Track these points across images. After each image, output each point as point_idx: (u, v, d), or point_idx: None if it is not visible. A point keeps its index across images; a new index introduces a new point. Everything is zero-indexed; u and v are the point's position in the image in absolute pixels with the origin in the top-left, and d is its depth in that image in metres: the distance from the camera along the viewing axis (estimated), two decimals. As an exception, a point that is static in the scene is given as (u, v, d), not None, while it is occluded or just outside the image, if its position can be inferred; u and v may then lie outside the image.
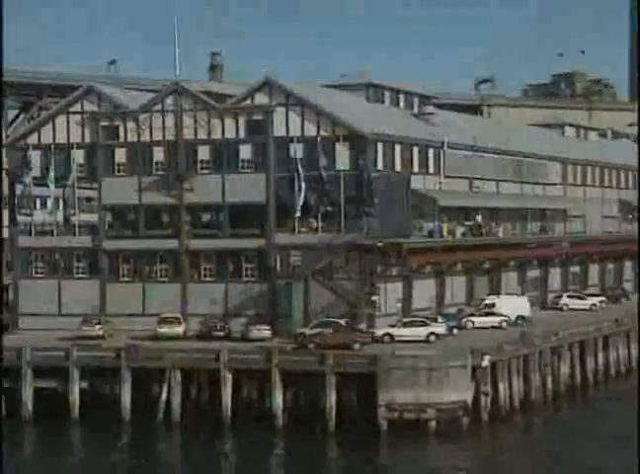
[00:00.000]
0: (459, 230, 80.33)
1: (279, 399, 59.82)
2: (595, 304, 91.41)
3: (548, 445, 56.74)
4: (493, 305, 78.56)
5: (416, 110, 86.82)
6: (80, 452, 59.86)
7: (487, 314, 76.62)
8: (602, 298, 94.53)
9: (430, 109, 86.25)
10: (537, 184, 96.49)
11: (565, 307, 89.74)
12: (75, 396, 63.56)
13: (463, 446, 55.90)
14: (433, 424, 56.57)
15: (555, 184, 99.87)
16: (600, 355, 76.87)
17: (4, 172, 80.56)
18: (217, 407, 60.94)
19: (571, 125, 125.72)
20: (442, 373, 57.99)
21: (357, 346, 62.53)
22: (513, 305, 79.40)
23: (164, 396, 62.18)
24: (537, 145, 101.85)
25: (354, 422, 57.65)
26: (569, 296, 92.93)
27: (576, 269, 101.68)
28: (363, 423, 57.08)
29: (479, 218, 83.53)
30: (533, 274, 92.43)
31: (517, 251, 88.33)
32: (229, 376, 60.93)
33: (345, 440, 56.52)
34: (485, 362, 59.99)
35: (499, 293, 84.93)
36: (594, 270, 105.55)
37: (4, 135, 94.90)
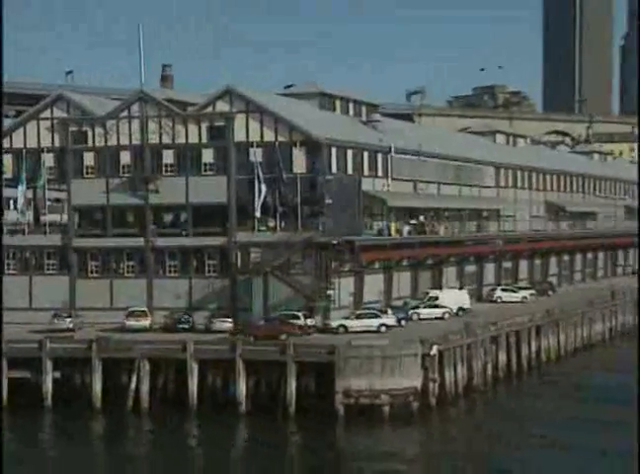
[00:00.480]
0: (405, 229, 79.84)
1: (242, 387, 59.08)
2: (525, 297, 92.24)
3: (490, 426, 58.29)
4: (436, 298, 78.60)
5: (364, 117, 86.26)
6: (53, 439, 58.37)
7: (431, 306, 76.29)
8: (532, 291, 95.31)
9: (377, 116, 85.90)
10: (474, 186, 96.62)
11: (499, 299, 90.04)
12: (48, 386, 62.31)
13: (414, 429, 56.33)
14: (386, 408, 56.47)
15: (489, 186, 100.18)
16: (533, 344, 77.00)
17: None
18: (184, 395, 60.02)
19: (501, 133, 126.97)
20: (395, 362, 57.65)
21: (283, 336, 62.04)
22: (454, 298, 79.74)
23: (133, 385, 60.97)
24: (473, 151, 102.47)
25: (312, 407, 57.11)
26: (502, 290, 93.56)
27: (508, 264, 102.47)
28: (322, 408, 56.63)
29: (422, 218, 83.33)
30: (470, 269, 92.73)
31: (456, 248, 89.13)
32: (195, 366, 60.19)
33: (304, 425, 56.05)
34: (433, 351, 59.93)
35: (440, 287, 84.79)
36: (523, 265, 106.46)
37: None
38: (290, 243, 70.33)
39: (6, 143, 77.05)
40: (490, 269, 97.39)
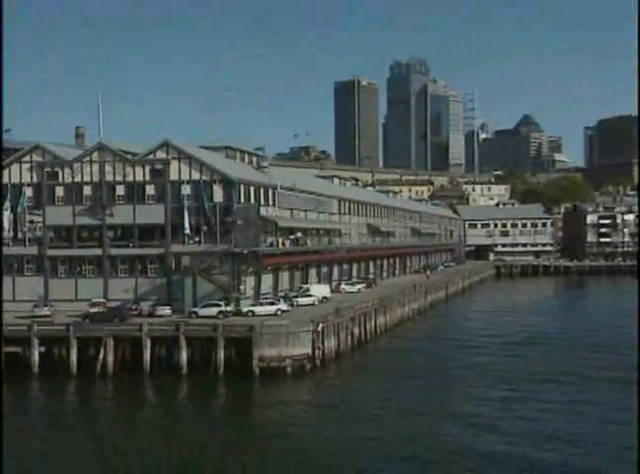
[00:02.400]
0: (287, 242, 79.27)
1: (183, 356, 58.26)
2: (360, 289, 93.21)
3: (351, 375, 61.12)
4: (308, 290, 78.85)
5: (255, 164, 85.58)
6: (39, 396, 56.90)
7: (305, 296, 76.18)
8: (363, 285, 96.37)
9: (265, 163, 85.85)
10: (326, 213, 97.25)
11: (343, 291, 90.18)
12: (35, 358, 60.26)
13: (307, 382, 56.76)
14: (288, 369, 56.93)
15: (335, 213, 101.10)
16: (374, 320, 77.72)
17: None
18: (140, 363, 58.48)
19: (336, 177, 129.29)
20: (294, 336, 58.27)
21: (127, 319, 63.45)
22: (320, 290, 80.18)
23: (101, 357, 59.21)
24: (324, 189, 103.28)
25: (236, 370, 56.76)
26: (345, 284, 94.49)
27: (346, 266, 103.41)
28: (242, 370, 56.38)
29: (298, 234, 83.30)
30: (324, 269, 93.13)
31: (317, 255, 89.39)
32: (148, 341, 58.92)
33: (230, 383, 55.86)
34: (319, 328, 60.48)
35: (308, 283, 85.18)
36: (355, 267, 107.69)
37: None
38: (211, 252, 69.76)
39: (-6, 178, 74.27)
40: (335, 269, 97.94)
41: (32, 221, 73.30)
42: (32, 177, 72.88)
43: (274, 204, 78.72)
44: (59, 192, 72.30)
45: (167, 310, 66.41)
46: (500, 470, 35.36)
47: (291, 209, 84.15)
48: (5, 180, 72.75)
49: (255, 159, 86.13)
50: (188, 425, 46.52)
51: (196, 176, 70.08)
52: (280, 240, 77.91)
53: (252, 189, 73.89)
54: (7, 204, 72.25)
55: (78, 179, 71.74)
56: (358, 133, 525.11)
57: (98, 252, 71.40)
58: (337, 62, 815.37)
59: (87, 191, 71.66)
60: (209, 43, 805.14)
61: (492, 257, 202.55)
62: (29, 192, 72.81)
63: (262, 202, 75.51)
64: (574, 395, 51.30)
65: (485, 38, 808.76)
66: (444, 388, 55.45)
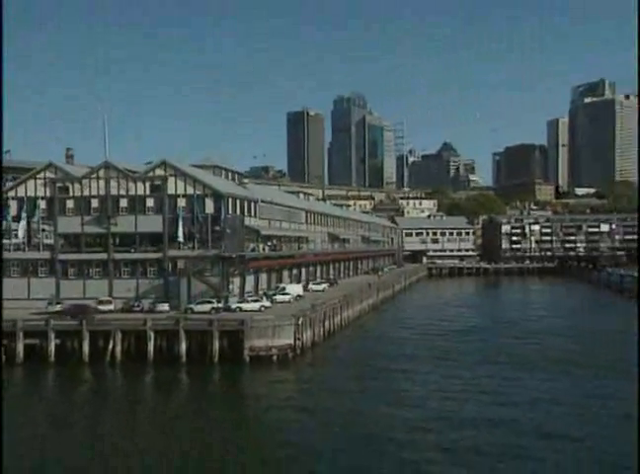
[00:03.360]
0: (266, 248, 77.95)
1: (183, 346, 56.68)
2: (325, 287, 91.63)
3: (324, 360, 59.38)
4: (284, 289, 77.22)
5: (237, 181, 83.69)
6: (55, 383, 54.66)
7: (282, 294, 74.51)
8: (327, 284, 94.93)
9: (245, 181, 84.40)
10: (296, 222, 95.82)
11: (311, 289, 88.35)
12: (52, 348, 58.05)
13: (289, 367, 55.42)
14: (274, 357, 55.75)
15: (302, 223, 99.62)
16: (340, 314, 76.82)
17: None
18: (144, 353, 56.75)
19: (302, 193, 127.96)
20: (280, 328, 57.32)
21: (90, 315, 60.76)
22: (294, 289, 78.43)
23: (110, 347, 57.26)
24: (295, 203, 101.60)
25: (229, 358, 55.55)
26: (313, 283, 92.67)
27: (311, 268, 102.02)
28: (235, 359, 55.24)
29: (274, 241, 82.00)
30: (295, 271, 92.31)
31: (290, 259, 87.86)
32: (152, 334, 57.13)
33: (224, 369, 54.52)
34: (300, 321, 59.40)
35: (282, 283, 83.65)
36: (319, 269, 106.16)
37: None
38: (204, 256, 67.95)
39: (12, 193, 71.03)
40: (304, 271, 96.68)
41: (44, 230, 70.57)
42: (45, 191, 70.23)
43: (255, 215, 77.18)
44: (69, 204, 69.89)
45: (165, 307, 64.60)
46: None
47: (269, 220, 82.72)
48: (21, 194, 70.32)
49: (237, 176, 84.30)
50: (187, 402, 46.82)
51: (190, 190, 68.30)
52: (261, 246, 76.70)
53: (237, 202, 72.28)
54: (23, 215, 69.36)
55: (86, 193, 69.43)
56: (307, 156, 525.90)
57: (103, 256, 69.09)
58: (289, 95, 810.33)
59: (94, 203, 69.42)
60: (175, 76, 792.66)
61: (425, 260, 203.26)
62: (43, 204, 70.09)
63: (245, 214, 73.99)
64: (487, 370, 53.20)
65: (414, 74, 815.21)
66: (393, 367, 56.09)
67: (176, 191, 68.35)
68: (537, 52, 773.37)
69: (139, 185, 68.91)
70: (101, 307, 64.51)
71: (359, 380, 51.15)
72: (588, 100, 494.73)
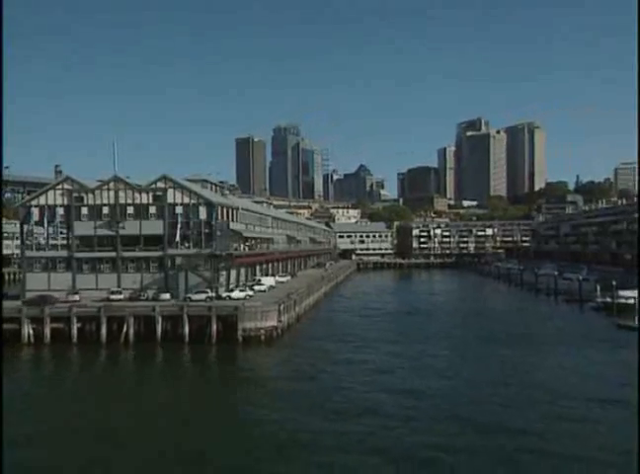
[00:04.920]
0: (246, 247, 76.90)
1: (186, 329, 54.60)
2: (288, 279, 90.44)
3: (299, 340, 57.42)
4: (260, 281, 75.78)
5: (220, 192, 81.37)
6: (78, 356, 52.12)
7: (259, 285, 72.91)
8: (289, 277, 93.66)
9: (226, 192, 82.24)
10: (265, 226, 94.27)
11: (277, 281, 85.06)
12: (74, 332, 54.95)
13: (274, 345, 53.92)
14: (262, 337, 54.13)
15: (269, 227, 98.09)
16: (305, 301, 74.88)
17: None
18: (153, 335, 54.37)
19: (264, 202, 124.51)
20: (267, 313, 55.78)
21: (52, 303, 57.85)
22: (268, 281, 77.10)
23: (124, 330, 54.70)
24: (262, 210, 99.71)
25: (225, 338, 53.80)
26: (279, 276, 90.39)
27: (277, 264, 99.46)
28: (230, 338, 53.53)
29: (252, 241, 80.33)
30: (264, 266, 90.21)
31: (262, 256, 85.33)
32: (160, 318, 54.71)
33: (220, 347, 52.70)
34: (281, 307, 58.31)
35: (256, 276, 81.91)
36: (281, 264, 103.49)
37: None
38: (198, 254, 65.48)
39: (35, 202, 66.79)
40: (270, 266, 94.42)
41: (62, 232, 66.79)
42: (63, 200, 66.28)
43: (237, 220, 75.18)
44: (84, 211, 66.14)
45: (167, 296, 62.17)
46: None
47: (247, 224, 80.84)
48: (42, 202, 66.19)
49: (219, 189, 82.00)
50: (191, 371, 46.53)
51: (186, 200, 65.87)
52: (242, 246, 74.86)
53: (224, 209, 70.26)
54: (45, 221, 65.39)
55: (98, 202, 65.93)
56: (252, 173, 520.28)
57: (113, 254, 65.75)
58: (237, 122, 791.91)
59: (105, 210, 65.95)
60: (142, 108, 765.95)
61: (354, 257, 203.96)
62: (60, 211, 66.16)
63: (232, 219, 72.12)
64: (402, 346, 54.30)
65: (338, 108, 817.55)
66: (348, 339, 57.39)
67: (174, 200, 65.78)
68: (432, 94, 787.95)
69: (143, 195, 66.00)
70: (112, 296, 61.57)
71: (323, 351, 51.74)
72: (469, 133, 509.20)
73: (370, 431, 29.58)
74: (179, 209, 65.51)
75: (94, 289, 64.24)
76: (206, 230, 65.47)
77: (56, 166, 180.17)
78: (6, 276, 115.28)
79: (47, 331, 54.42)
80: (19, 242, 70.98)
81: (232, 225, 72.18)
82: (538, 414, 32.28)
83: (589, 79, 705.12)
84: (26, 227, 66.31)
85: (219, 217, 67.52)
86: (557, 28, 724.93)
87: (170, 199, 65.76)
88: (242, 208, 77.71)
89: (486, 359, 47.65)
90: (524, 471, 25.13)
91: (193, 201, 65.90)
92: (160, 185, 66.40)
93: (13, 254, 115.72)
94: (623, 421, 30.60)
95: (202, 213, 65.88)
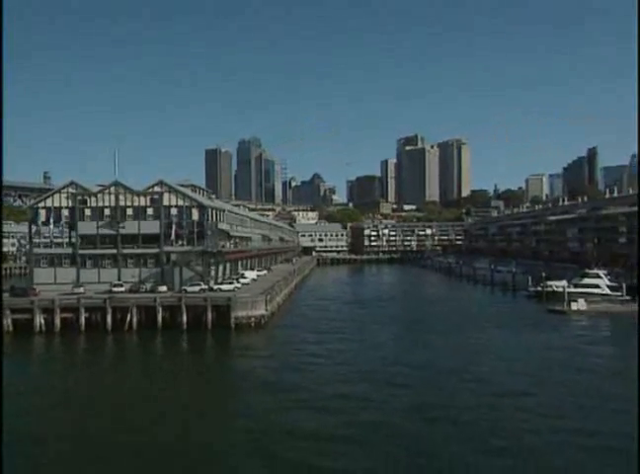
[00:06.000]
0: (232, 245, 75.87)
1: (184, 318, 53.50)
2: (265, 273, 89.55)
3: (283, 326, 56.31)
4: (244, 274, 75.37)
5: (207, 196, 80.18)
6: (85, 342, 50.00)
7: (243, 278, 72.36)
8: (266, 271, 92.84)
9: (213, 196, 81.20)
10: (244, 226, 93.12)
11: (256, 275, 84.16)
12: (82, 321, 53.08)
13: (262, 331, 53.20)
14: (252, 324, 53.57)
15: (248, 227, 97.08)
16: (285, 290, 74.99)
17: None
18: (154, 323, 53.20)
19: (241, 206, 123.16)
20: (256, 302, 55.31)
21: (29, 295, 56.00)
22: (250, 274, 76.59)
23: (127, 319, 53.15)
24: (243, 212, 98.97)
25: (219, 325, 53.16)
26: (257, 270, 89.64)
27: (254, 260, 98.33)
28: (224, 325, 52.96)
29: (236, 239, 79.58)
30: (245, 262, 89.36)
31: (244, 253, 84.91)
32: (160, 308, 53.55)
33: (215, 334, 51.99)
34: (268, 297, 57.97)
35: (239, 270, 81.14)
36: (257, 260, 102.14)
37: None
38: (191, 251, 64.46)
39: (42, 204, 64.53)
40: (249, 262, 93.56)
41: (67, 231, 64.90)
42: (68, 203, 64.24)
43: (223, 221, 74.39)
44: (87, 212, 64.23)
45: (164, 288, 61.00)
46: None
47: (231, 224, 79.96)
48: (49, 204, 63.98)
49: (206, 193, 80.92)
50: (190, 353, 45.81)
51: (180, 202, 64.91)
52: (228, 244, 74.11)
53: (213, 211, 69.49)
54: (51, 221, 63.24)
55: (100, 204, 64.18)
56: (220, 180, 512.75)
57: (113, 251, 64.09)
58: (205, 133, 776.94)
59: (106, 212, 64.24)
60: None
61: (314, 253, 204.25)
62: (66, 212, 64.18)
63: (218, 220, 71.31)
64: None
65: (295, 122, 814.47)
66: (322, 323, 57.71)
67: (169, 203, 64.74)
68: (375, 111, 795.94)
69: (141, 198, 64.63)
70: (114, 289, 59.95)
71: (303, 333, 52.32)
72: (408, 148, 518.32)
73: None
74: (173, 211, 64.52)
75: (96, 283, 62.46)
76: (198, 230, 64.68)
77: (45, 173, 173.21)
78: (16, 271, 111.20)
79: (58, 320, 52.52)
80: (14, 241, 67.66)
81: (220, 225, 71.51)
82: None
83: (504, 102, 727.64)
84: (34, 227, 63.96)
85: (210, 218, 66.85)
86: (478, 52, 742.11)
87: (166, 202, 64.65)
88: (227, 210, 76.78)
89: (446, 337, 49.06)
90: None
91: (186, 204, 64.97)
92: (157, 189, 65.16)
93: (9, 251, 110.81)
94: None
95: (195, 215, 65.06)
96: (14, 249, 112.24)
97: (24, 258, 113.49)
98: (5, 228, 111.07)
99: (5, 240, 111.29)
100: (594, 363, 37.81)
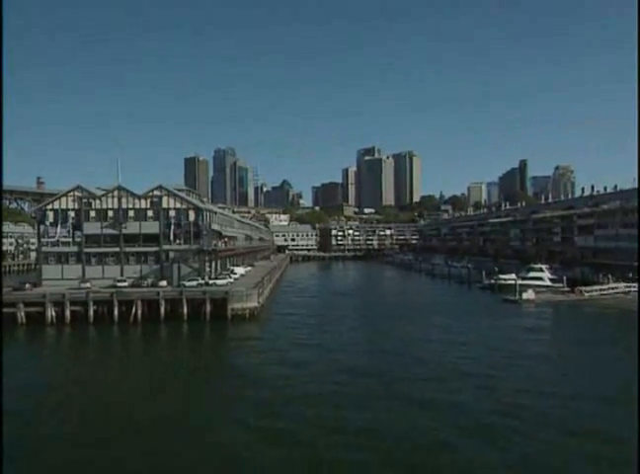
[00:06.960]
0: (223, 244, 74.63)
1: (185, 309, 52.89)
2: (250, 269, 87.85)
3: (273, 316, 56.29)
4: (234, 270, 74.47)
5: (199, 200, 79.04)
6: (94, 332, 48.84)
7: (233, 273, 71.25)
8: (250, 267, 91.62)
9: (205, 200, 79.80)
10: (231, 227, 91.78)
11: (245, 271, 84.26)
12: (91, 313, 51.82)
13: (256, 321, 52.76)
14: (247, 315, 52.51)
15: (234, 227, 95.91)
16: (270, 285, 74.55)
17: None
18: (157, 315, 52.47)
19: (226, 208, 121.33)
20: (250, 295, 55.00)
21: (23, 290, 56.33)
22: (239, 270, 75.96)
23: (133, 311, 52.16)
24: (229, 214, 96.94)
25: (217, 316, 52.59)
26: (243, 266, 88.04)
27: (240, 257, 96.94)
28: (221, 316, 52.45)
29: (226, 239, 78.73)
30: (232, 259, 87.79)
31: (232, 251, 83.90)
32: (163, 301, 52.86)
33: (213, 325, 51.40)
34: (260, 290, 58.26)
35: (228, 267, 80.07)
36: (243, 258, 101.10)
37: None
38: (188, 249, 63.69)
39: (50, 206, 62.43)
40: (236, 259, 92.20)
41: (73, 232, 62.70)
42: (74, 205, 62.37)
43: (215, 222, 73.64)
44: (92, 214, 62.41)
45: (164, 283, 60.03)
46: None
47: (221, 225, 79.10)
48: (56, 206, 61.91)
49: (198, 197, 79.64)
50: (190, 341, 45.76)
51: (178, 205, 63.88)
52: (220, 243, 73.47)
53: (208, 213, 68.74)
54: (59, 222, 61.39)
55: (104, 206, 62.53)
56: (198, 185, 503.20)
57: (116, 249, 62.63)
58: (184, 142, 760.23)
59: (110, 213, 62.61)
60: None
61: (287, 252, 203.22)
62: (72, 214, 62.22)
63: (214, 221, 70.78)
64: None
65: (265, 134, 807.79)
66: (306, 313, 58.62)
67: (168, 205, 63.66)
68: (336, 124, 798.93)
69: (142, 201, 63.37)
70: (118, 284, 58.68)
71: (290, 321, 52.97)
72: (366, 158, 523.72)
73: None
74: (172, 213, 63.47)
75: (100, 279, 61.07)
76: (194, 230, 64.01)
77: (38, 178, 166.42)
78: (15, 269, 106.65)
79: (68, 313, 51.22)
80: (12, 240, 65.05)
81: (212, 226, 70.83)
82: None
83: (446, 115, 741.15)
84: (42, 227, 61.87)
85: (205, 219, 66.23)
86: (433, 67, 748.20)
87: (165, 205, 63.60)
88: (218, 213, 76.07)
89: (412, 322, 50.81)
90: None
91: (183, 207, 64.10)
92: (157, 193, 64.08)
93: (7, 250, 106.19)
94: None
95: (191, 216, 64.20)
96: (12, 248, 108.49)
97: (21, 256, 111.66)
98: (4, 228, 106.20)
99: (4, 240, 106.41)
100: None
